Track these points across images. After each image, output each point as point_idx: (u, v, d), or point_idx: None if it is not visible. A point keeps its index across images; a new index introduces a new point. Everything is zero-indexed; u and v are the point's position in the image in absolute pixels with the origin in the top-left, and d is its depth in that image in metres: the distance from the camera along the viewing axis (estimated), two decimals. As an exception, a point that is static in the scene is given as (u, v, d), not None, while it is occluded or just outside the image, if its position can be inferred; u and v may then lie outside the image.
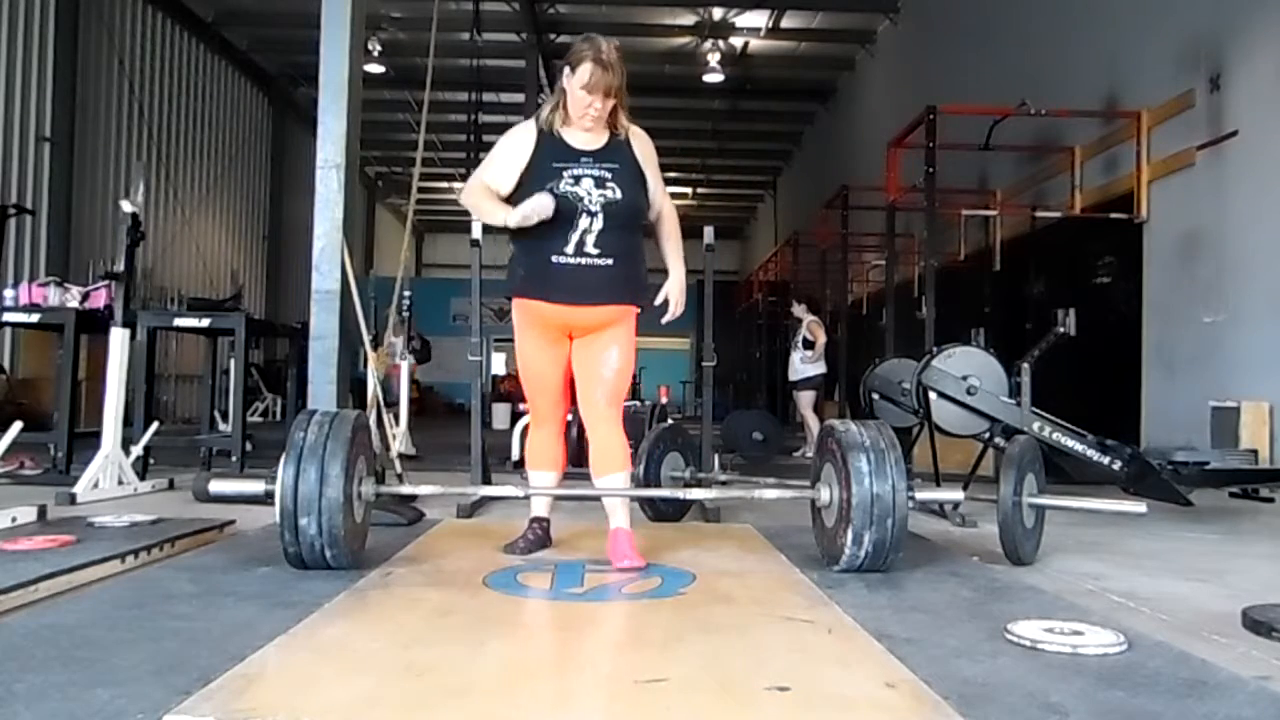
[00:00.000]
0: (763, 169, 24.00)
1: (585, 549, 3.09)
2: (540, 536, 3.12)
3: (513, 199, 2.91)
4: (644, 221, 3.07)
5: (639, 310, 3.05)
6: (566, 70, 2.88)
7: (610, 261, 2.90)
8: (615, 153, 2.97)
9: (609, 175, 2.92)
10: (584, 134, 2.95)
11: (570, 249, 2.88)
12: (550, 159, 2.92)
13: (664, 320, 3.07)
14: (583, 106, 2.86)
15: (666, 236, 3.13)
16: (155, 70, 14.41)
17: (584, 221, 2.88)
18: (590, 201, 2.88)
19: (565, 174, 2.89)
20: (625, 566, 2.81)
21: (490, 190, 2.97)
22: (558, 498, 3.34)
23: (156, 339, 6.01)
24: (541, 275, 2.93)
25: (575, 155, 2.92)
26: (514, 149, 2.97)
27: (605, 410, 3.02)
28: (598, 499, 3.10)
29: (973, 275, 9.48)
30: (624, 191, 2.91)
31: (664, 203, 3.11)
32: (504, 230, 2.95)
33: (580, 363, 3.04)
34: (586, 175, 2.90)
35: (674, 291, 3.06)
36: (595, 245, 2.88)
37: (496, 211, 2.90)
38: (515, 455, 6.45)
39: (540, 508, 3.21)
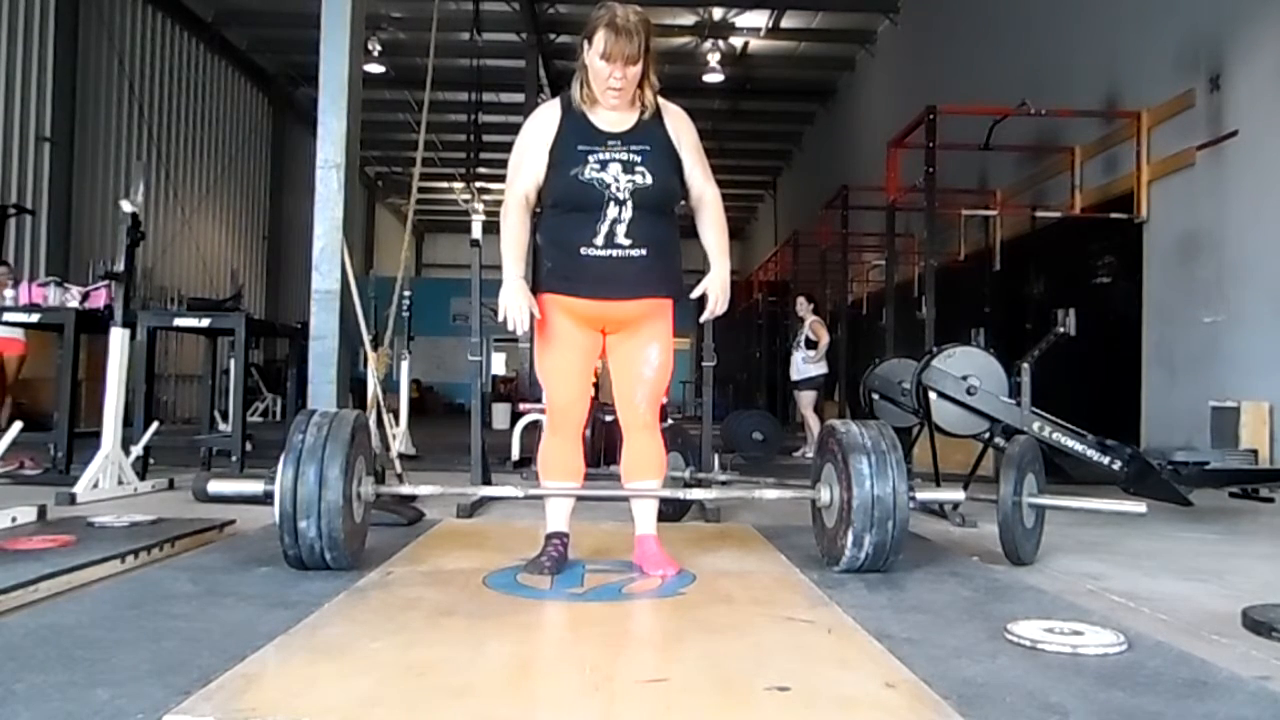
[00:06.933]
0: (763, 169, 24.02)
1: (585, 549, 3.08)
2: (563, 553, 2.84)
3: (543, 183, 2.77)
4: (678, 207, 2.84)
5: (675, 303, 2.87)
6: (584, 43, 2.64)
7: (643, 252, 2.70)
8: (646, 134, 2.73)
9: (638, 159, 2.69)
10: (612, 114, 2.73)
11: (600, 240, 2.68)
12: (575, 141, 2.71)
13: (702, 319, 2.92)
14: (604, 79, 2.62)
15: (708, 225, 2.85)
16: (155, 70, 14.43)
17: (612, 210, 2.67)
18: (618, 188, 2.67)
19: (590, 159, 2.68)
20: (661, 575, 2.72)
21: (524, 221, 2.75)
22: (554, 496, 3.00)
23: (156, 339, 6.01)
24: (571, 269, 2.73)
25: (602, 138, 2.70)
26: (538, 137, 2.75)
27: (645, 414, 2.85)
28: (597, 500, 3.08)
29: (973, 275, 9.49)
30: (655, 176, 2.70)
31: (706, 187, 2.84)
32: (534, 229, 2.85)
33: (617, 362, 2.85)
34: (614, 160, 2.68)
35: (715, 286, 2.78)
36: (626, 235, 2.68)
37: (508, 265, 2.70)
38: (515, 455, 6.45)
39: (559, 522, 2.89)
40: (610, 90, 2.65)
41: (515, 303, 2.67)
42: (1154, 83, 7.46)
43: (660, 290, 2.80)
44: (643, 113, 2.75)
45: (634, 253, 2.70)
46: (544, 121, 2.77)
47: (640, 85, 2.70)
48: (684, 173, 2.81)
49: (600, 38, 2.60)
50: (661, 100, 2.79)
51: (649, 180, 2.70)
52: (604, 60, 2.60)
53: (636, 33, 2.59)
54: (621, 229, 2.69)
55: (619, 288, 2.74)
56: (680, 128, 2.81)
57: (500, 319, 2.69)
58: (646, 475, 2.89)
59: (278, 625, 2.08)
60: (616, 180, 2.68)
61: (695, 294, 2.82)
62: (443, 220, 27.40)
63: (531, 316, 2.70)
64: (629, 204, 2.68)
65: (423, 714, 1.60)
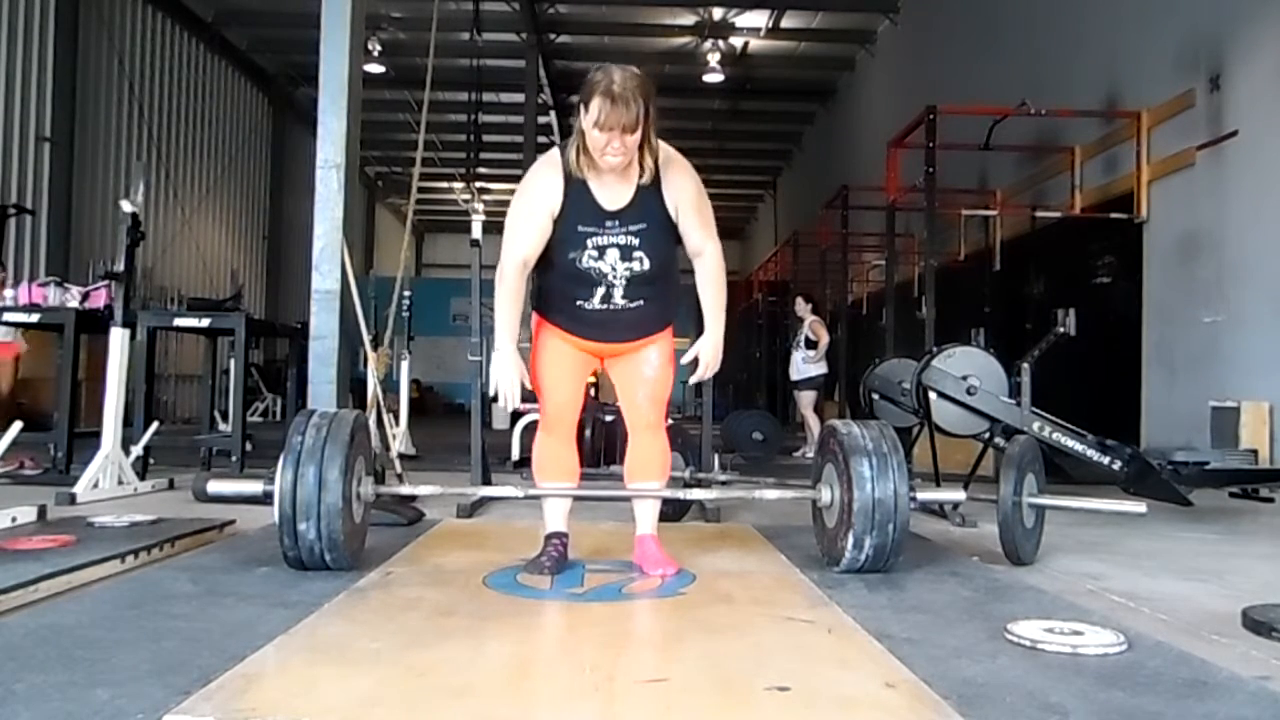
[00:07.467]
0: (763, 169, 24.01)
1: (585, 549, 3.08)
2: (563, 553, 2.85)
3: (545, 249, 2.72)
4: (677, 261, 2.80)
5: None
6: (581, 108, 2.53)
7: (640, 303, 2.73)
8: (643, 209, 2.65)
9: (636, 242, 2.65)
10: (612, 184, 2.63)
11: (597, 300, 2.70)
12: (576, 219, 2.64)
13: (692, 380, 2.85)
14: (600, 147, 2.50)
15: (705, 283, 2.76)
16: (155, 70, 14.42)
17: (606, 287, 2.69)
18: (614, 276, 2.67)
19: (589, 243, 2.64)
20: (661, 575, 2.73)
21: (520, 287, 2.68)
22: (553, 496, 2.99)
23: (156, 339, 6.01)
24: (568, 314, 2.77)
25: (601, 218, 2.64)
26: (541, 206, 2.65)
27: (648, 414, 2.87)
28: (597, 500, 3.07)
29: (973, 275, 9.49)
30: (651, 260, 2.67)
31: (705, 244, 2.73)
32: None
33: (618, 369, 2.90)
34: (611, 245, 2.64)
35: (706, 352, 2.74)
36: (623, 296, 2.70)
37: (501, 335, 2.64)
38: (515, 455, 6.44)
39: (557, 522, 2.90)
40: (609, 155, 2.53)
41: (507, 377, 2.64)
42: (1154, 83, 7.46)
43: (657, 328, 2.85)
44: (641, 182, 2.63)
45: (630, 305, 2.73)
46: (546, 190, 2.66)
47: (640, 149, 2.57)
48: (682, 232, 2.72)
49: (596, 106, 2.46)
50: (663, 151, 2.66)
51: (646, 265, 2.68)
52: (599, 130, 2.48)
53: (634, 100, 2.45)
54: (618, 292, 2.70)
55: (616, 333, 2.80)
56: (679, 187, 2.68)
57: (492, 394, 2.68)
58: (649, 476, 2.92)
59: (278, 625, 2.08)
60: (614, 269, 2.67)
61: (687, 358, 2.79)
62: (443, 220, 27.39)
63: (539, 321, 2.71)
64: (622, 283, 2.69)
65: (423, 714, 1.60)
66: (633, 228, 2.65)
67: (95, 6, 12.63)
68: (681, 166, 2.71)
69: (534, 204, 2.66)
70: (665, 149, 2.67)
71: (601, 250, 2.66)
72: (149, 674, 1.72)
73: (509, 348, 2.65)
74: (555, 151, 2.71)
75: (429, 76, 6.32)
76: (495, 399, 2.67)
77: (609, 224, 2.65)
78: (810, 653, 2.00)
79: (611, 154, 2.52)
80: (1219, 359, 6.60)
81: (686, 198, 2.70)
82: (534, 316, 2.88)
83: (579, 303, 2.73)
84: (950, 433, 4.63)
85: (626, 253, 2.66)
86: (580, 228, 2.65)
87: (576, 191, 2.64)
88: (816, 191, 16.43)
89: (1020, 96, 7.61)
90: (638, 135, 2.52)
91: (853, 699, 1.69)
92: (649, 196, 2.66)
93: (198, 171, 15.86)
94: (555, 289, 2.78)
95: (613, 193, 2.65)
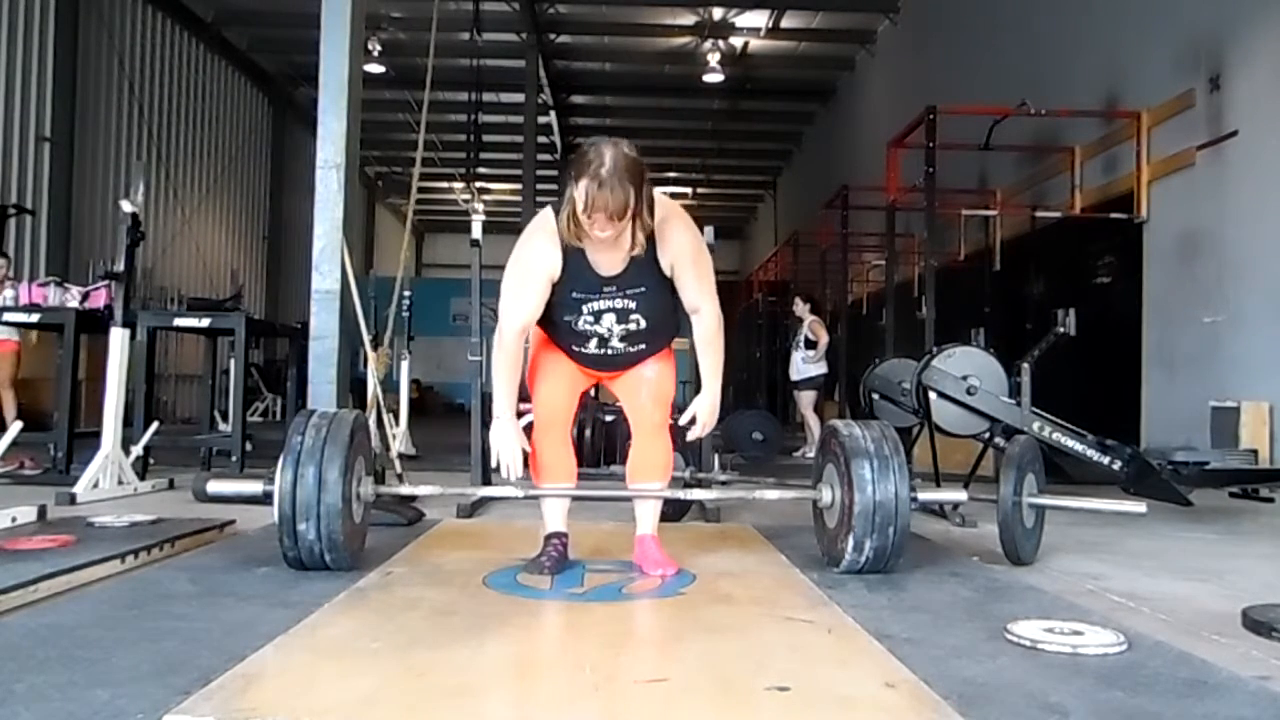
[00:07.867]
0: (763, 169, 24.02)
1: (585, 549, 3.08)
2: (563, 553, 2.85)
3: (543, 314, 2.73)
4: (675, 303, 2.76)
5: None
6: (571, 181, 2.45)
7: (641, 346, 2.76)
8: (640, 273, 2.61)
9: (633, 305, 2.64)
10: (607, 249, 2.56)
11: (593, 347, 2.73)
12: (572, 286, 2.62)
13: (690, 437, 2.86)
14: (588, 229, 2.45)
15: (702, 345, 2.76)
16: (155, 70, 14.42)
17: (601, 339, 2.71)
18: (611, 337, 2.69)
19: (584, 309, 2.64)
20: (660, 575, 2.74)
21: (518, 353, 2.68)
22: (553, 496, 2.99)
23: (156, 339, 6.01)
24: (566, 350, 2.81)
25: (597, 285, 2.61)
26: (540, 273, 2.61)
27: (653, 414, 2.87)
28: (595, 500, 3.06)
29: (973, 275, 9.48)
30: (648, 320, 2.68)
31: (702, 302, 2.70)
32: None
33: (619, 383, 2.93)
34: (608, 310, 2.64)
35: (704, 411, 2.75)
36: (620, 341, 2.72)
37: (499, 403, 2.66)
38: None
39: (557, 522, 2.91)
40: (598, 233, 2.47)
41: (508, 447, 2.64)
42: (1154, 83, 7.46)
43: (655, 353, 2.86)
44: (633, 249, 2.54)
45: (630, 349, 2.76)
46: (545, 259, 2.61)
47: (633, 223, 2.48)
48: (678, 288, 2.69)
49: (583, 189, 2.38)
50: (659, 209, 2.57)
51: (643, 325, 2.69)
52: (586, 214, 2.41)
53: (622, 185, 2.37)
54: (614, 340, 2.72)
55: (614, 368, 2.84)
56: (675, 246, 2.62)
57: (494, 464, 2.67)
58: (651, 477, 2.92)
59: (278, 625, 2.08)
60: (610, 330, 2.69)
61: (684, 419, 2.79)
62: (443, 220, 27.39)
63: (525, 454, 2.68)
64: (619, 339, 2.72)
65: (422, 714, 1.60)
66: (629, 291, 2.64)
67: (95, 6, 12.63)
68: (678, 223, 2.64)
69: (533, 272, 2.63)
70: (662, 205, 2.59)
71: (598, 315, 2.66)
72: (149, 674, 1.72)
73: (508, 415, 2.65)
74: (549, 216, 2.62)
75: (429, 76, 6.32)
76: (497, 469, 2.67)
77: (606, 289, 2.63)
78: (810, 653, 2.00)
79: (600, 230, 2.46)
80: (1219, 359, 6.60)
81: (683, 256, 2.64)
82: (535, 327, 2.87)
83: (575, 348, 2.77)
84: (950, 433, 4.63)
85: (623, 316, 2.67)
86: (575, 294, 2.64)
87: (574, 260, 2.60)
88: (816, 191, 16.43)
89: (1020, 96, 7.61)
90: (627, 220, 2.44)
91: (853, 699, 1.69)
92: (644, 263, 2.62)
93: (198, 171, 15.86)
94: (552, 336, 2.82)
95: (609, 258, 2.60)
